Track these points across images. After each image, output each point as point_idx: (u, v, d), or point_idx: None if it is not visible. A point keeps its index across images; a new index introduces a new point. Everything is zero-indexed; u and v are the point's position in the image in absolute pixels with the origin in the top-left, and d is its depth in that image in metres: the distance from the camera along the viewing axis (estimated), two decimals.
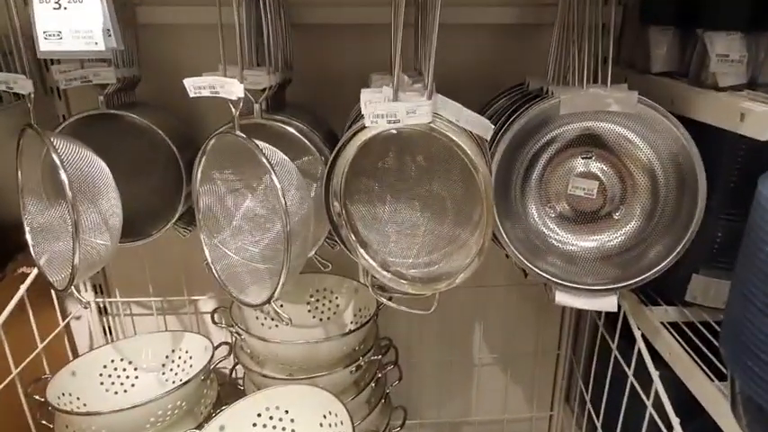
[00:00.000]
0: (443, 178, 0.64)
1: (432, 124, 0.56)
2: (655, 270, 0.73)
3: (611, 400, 0.97)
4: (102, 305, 1.12)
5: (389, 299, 0.71)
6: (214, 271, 0.70)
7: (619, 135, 0.77)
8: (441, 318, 1.17)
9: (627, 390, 0.87)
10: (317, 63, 0.96)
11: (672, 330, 0.82)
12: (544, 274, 0.76)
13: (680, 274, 0.83)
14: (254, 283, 0.69)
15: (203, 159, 0.68)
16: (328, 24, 0.92)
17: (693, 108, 0.72)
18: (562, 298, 0.75)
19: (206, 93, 0.63)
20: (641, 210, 0.79)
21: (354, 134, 0.60)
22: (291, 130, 0.73)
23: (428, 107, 0.55)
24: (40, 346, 0.90)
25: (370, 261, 0.65)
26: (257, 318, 0.98)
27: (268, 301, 0.63)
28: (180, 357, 0.98)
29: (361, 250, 0.65)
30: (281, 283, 0.61)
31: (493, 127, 0.61)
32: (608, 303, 0.74)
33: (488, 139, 0.63)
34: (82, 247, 0.67)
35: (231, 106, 0.62)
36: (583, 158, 0.81)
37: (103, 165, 0.73)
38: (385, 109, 0.56)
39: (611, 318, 0.97)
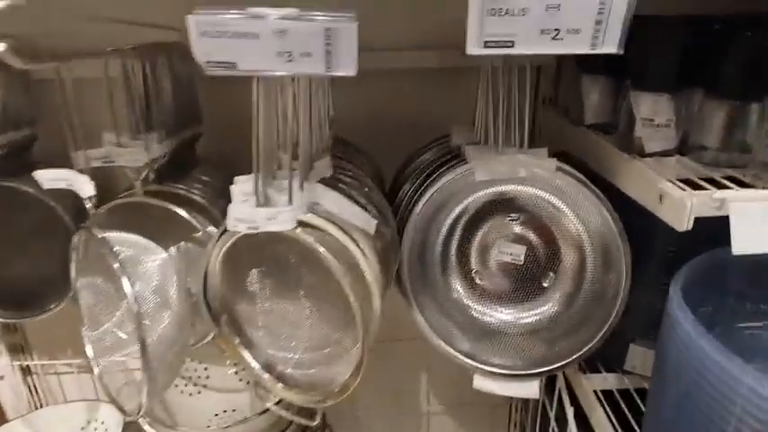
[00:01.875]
0: (322, 278, 0.57)
1: (296, 230, 0.50)
2: (577, 355, 0.67)
3: None
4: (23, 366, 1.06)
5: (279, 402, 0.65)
6: (95, 370, 0.64)
7: (542, 200, 0.70)
8: (385, 368, 1.11)
9: None
10: (232, 113, 0.89)
11: (604, 402, 0.78)
12: (462, 357, 0.70)
13: (619, 342, 0.77)
14: (131, 386, 0.63)
15: (73, 256, 0.61)
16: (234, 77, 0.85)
17: (617, 177, 0.65)
18: (481, 383, 0.69)
19: (62, 185, 0.57)
20: (570, 277, 0.72)
21: (221, 234, 0.54)
22: (177, 210, 0.67)
23: (289, 213, 0.49)
24: None
25: (253, 363, 0.59)
26: (176, 385, 0.92)
27: (137, 412, 0.57)
28: (96, 429, 0.92)
29: (245, 352, 0.59)
30: (144, 398, 0.55)
31: (375, 222, 0.55)
32: (530, 390, 0.68)
33: (372, 233, 0.56)
34: None
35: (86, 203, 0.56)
36: (509, 221, 0.74)
37: None
38: (244, 214, 0.50)
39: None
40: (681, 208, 0.52)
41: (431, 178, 0.72)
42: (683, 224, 0.52)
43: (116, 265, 0.53)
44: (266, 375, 0.58)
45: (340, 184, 0.63)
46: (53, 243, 0.86)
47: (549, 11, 0.41)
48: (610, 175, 0.67)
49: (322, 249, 0.49)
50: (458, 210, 0.72)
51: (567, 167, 0.65)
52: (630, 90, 0.66)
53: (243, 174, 0.88)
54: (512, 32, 0.41)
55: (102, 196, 0.78)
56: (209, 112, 0.86)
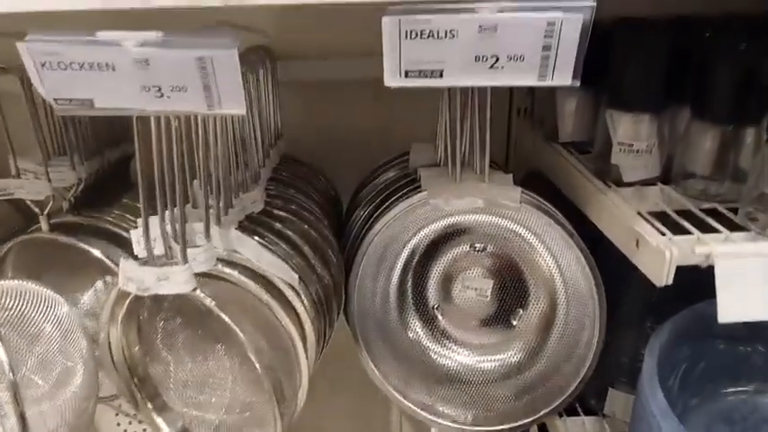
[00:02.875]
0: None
1: (195, 292, 0.41)
2: (546, 411, 0.59)
3: None
4: None
5: None
6: None
7: (508, 230, 0.62)
8: (354, 396, 1.04)
9: None
10: None
11: None
12: (420, 411, 0.62)
13: (598, 385, 0.69)
14: None
15: None
16: None
17: (590, 211, 0.57)
18: None
19: None
20: (540, 317, 0.64)
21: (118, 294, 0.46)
22: (88, 248, 0.58)
23: (184, 273, 0.41)
24: None
25: (167, 429, 0.51)
26: None
27: None
28: None
29: (159, 419, 0.51)
30: None
31: (296, 277, 0.47)
32: None
33: (295, 286, 0.48)
34: None
35: None
36: (474, 252, 0.66)
37: None
38: (133, 273, 0.41)
39: None
40: (659, 259, 0.43)
41: (384, 205, 0.63)
42: (662, 279, 0.43)
43: None
44: None
45: (270, 220, 0.55)
46: None
47: (483, 33, 0.32)
48: (583, 207, 0.59)
49: (225, 317, 0.41)
50: (413, 242, 0.63)
51: (533, 198, 0.57)
52: (606, 108, 0.57)
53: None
54: (439, 59, 0.32)
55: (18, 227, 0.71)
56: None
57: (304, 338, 0.48)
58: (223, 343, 0.49)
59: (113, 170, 0.72)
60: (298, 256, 0.56)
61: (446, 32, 0.32)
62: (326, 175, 0.80)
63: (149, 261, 0.42)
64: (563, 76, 0.33)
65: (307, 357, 0.48)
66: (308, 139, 0.80)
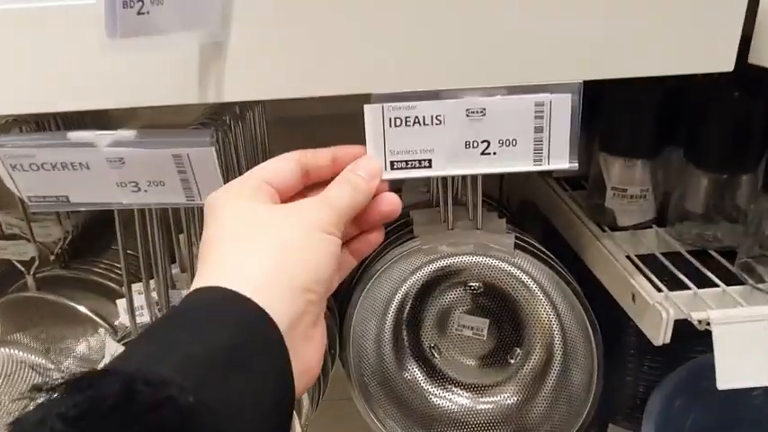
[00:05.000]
0: None
1: None
2: None
3: None
4: None
5: None
6: None
7: (502, 272, 0.61)
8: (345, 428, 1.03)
9: None
10: None
11: None
12: None
13: (597, 422, 0.69)
14: None
15: None
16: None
17: (585, 255, 0.56)
18: None
19: None
20: (537, 357, 0.63)
21: None
22: (76, 306, 0.57)
23: None
24: None
25: None
26: None
27: None
28: None
29: None
30: None
31: None
32: None
33: None
34: None
35: None
36: (469, 292, 0.65)
37: None
38: (116, 351, 0.40)
39: None
40: (655, 319, 0.43)
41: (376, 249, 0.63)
42: (659, 338, 0.43)
43: None
44: None
45: None
46: None
47: (472, 117, 0.31)
48: (577, 250, 0.58)
49: None
50: (406, 285, 0.62)
51: (527, 243, 0.56)
52: (599, 152, 0.56)
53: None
54: (427, 147, 0.31)
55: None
56: None
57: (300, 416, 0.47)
58: None
59: (99, 216, 0.71)
60: None
61: (433, 118, 0.31)
62: None
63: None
64: (560, 160, 0.32)
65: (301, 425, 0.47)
66: None
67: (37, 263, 0.57)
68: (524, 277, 0.61)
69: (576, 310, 0.57)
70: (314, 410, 0.59)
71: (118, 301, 0.45)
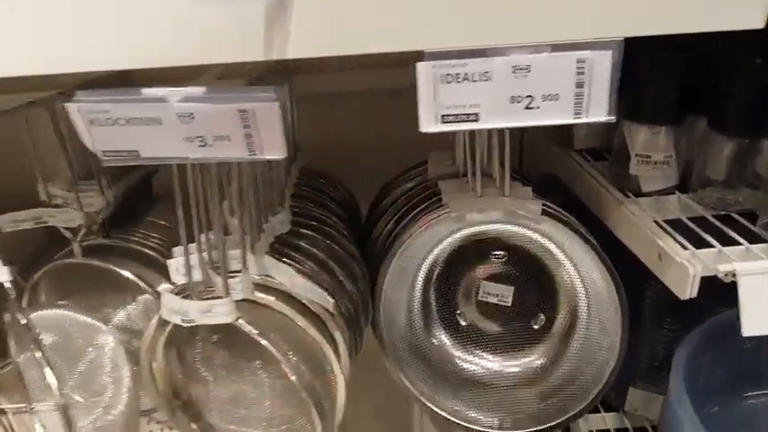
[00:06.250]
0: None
1: (237, 322, 0.43)
2: (573, 413, 0.61)
3: None
4: None
5: None
6: None
7: (528, 239, 0.63)
8: (377, 398, 1.05)
9: None
10: None
11: None
12: (449, 416, 0.64)
13: (618, 384, 0.71)
14: None
15: (10, 334, 0.55)
16: None
17: (610, 220, 0.58)
18: None
19: None
20: (561, 322, 0.66)
21: (160, 322, 0.47)
22: (122, 272, 0.60)
23: (227, 306, 0.42)
24: None
25: None
26: None
27: None
28: None
29: None
30: None
31: (332, 301, 0.48)
32: None
33: (330, 309, 0.49)
34: None
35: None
36: (495, 260, 0.67)
37: None
38: (177, 306, 0.43)
39: None
40: (683, 275, 0.45)
41: (406, 218, 0.65)
42: (686, 293, 0.45)
43: (38, 355, 0.47)
44: None
45: (297, 240, 0.56)
46: None
47: (518, 73, 0.33)
48: (602, 216, 0.60)
49: (268, 345, 0.42)
50: (435, 253, 0.65)
51: (554, 210, 0.58)
52: (623, 120, 0.58)
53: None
54: (474, 102, 0.33)
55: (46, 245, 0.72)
56: None
57: (339, 358, 0.50)
58: (261, 361, 0.51)
59: (135, 189, 0.73)
60: (325, 272, 0.57)
61: (481, 75, 0.33)
62: (344, 184, 0.81)
63: (191, 294, 0.44)
64: (598, 112, 0.34)
65: (344, 377, 0.49)
66: (324, 151, 0.81)
67: (84, 230, 0.59)
68: (550, 244, 0.63)
69: (601, 273, 0.59)
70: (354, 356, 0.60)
71: (169, 261, 0.47)
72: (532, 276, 0.68)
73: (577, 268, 0.63)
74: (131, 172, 0.71)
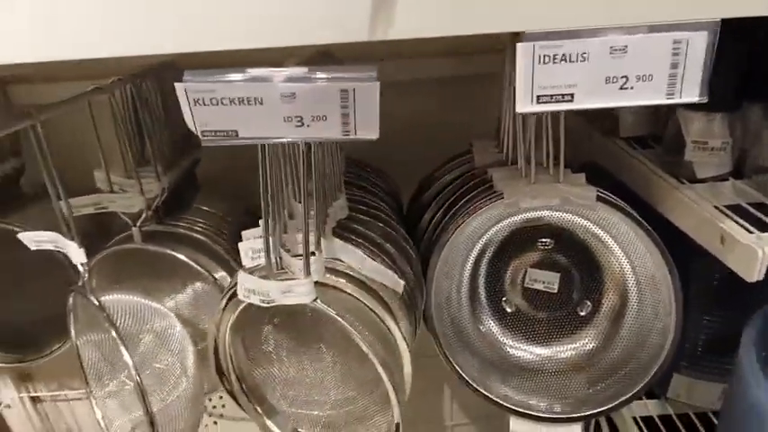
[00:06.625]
0: (343, 334, 0.51)
1: (315, 302, 0.44)
2: (621, 400, 0.62)
3: None
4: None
5: None
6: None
7: (578, 226, 0.64)
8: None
9: None
10: None
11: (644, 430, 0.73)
12: (500, 401, 0.64)
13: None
14: None
15: (71, 317, 0.56)
16: None
17: (664, 206, 0.59)
18: (518, 426, 0.64)
19: (49, 246, 0.51)
20: (609, 311, 0.66)
21: (228, 300, 0.48)
22: (179, 256, 0.60)
23: (306, 286, 0.43)
24: None
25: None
26: None
27: None
28: None
29: (270, 422, 0.54)
30: None
31: (402, 283, 0.49)
32: None
33: (399, 291, 0.50)
34: None
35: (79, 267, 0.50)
36: (541, 247, 0.68)
37: None
38: (256, 286, 0.44)
39: None
40: (751, 258, 0.45)
41: (455, 207, 0.65)
42: (753, 275, 0.46)
43: (113, 334, 0.48)
44: None
45: (355, 225, 0.57)
46: (52, 281, 0.81)
47: (614, 54, 0.34)
48: (654, 203, 0.60)
49: (346, 324, 0.43)
50: (484, 240, 0.66)
51: (609, 197, 0.59)
52: (678, 108, 0.58)
53: (244, 197, 0.83)
54: (571, 83, 0.34)
55: (97, 232, 0.73)
56: None
57: (405, 338, 0.51)
58: (327, 341, 0.51)
59: (184, 175, 0.74)
60: (383, 254, 0.58)
61: (578, 56, 0.33)
62: (389, 175, 0.81)
63: (269, 274, 0.44)
64: (691, 93, 0.34)
65: (410, 357, 0.50)
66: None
67: (144, 215, 0.60)
68: (599, 229, 0.64)
69: (655, 258, 0.59)
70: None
71: (240, 245, 0.48)
72: (580, 263, 0.68)
73: (627, 253, 0.64)
74: (181, 161, 0.72)
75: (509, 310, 0.70)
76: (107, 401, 0.62)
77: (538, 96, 0.34)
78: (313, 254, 0.46)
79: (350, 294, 0.47)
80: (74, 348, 0.74)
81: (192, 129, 0.35)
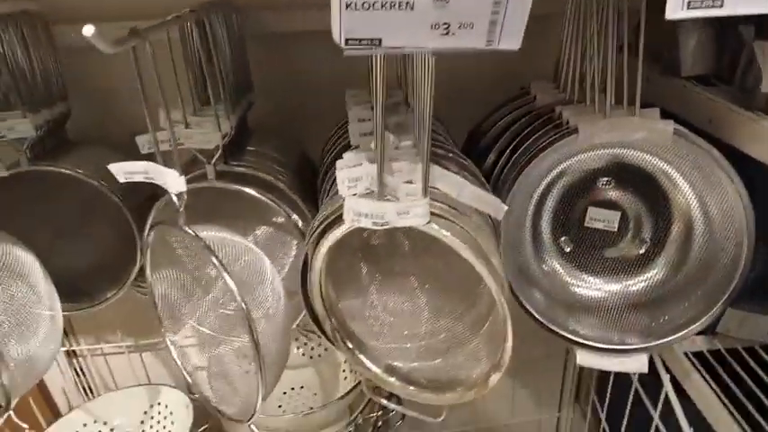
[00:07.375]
0: (435, 264, 0.52)
1: (431, 224, 0.44)
2: (687, 330, 0.64)
3: (620, 401, 0.91)
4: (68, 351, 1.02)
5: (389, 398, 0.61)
6: (186, 376, 0.60)
7: (648, 163, 0.65)
8: None
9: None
10: (281, 76, 0.81)
11: (698, 365, 0.76)
12: (568, 335, 0.66)
13: None
14: (234, 389, 0.59)
15: (149, 255, 0.55)
16: (292, 32, 0.76)
17: (738, 138, 0.59)
18: (585, 359, 0.66)
19: (139, 178, 0.50)
20: (673, 246, 0.68)
21: (329, 226, 0.48)
22: (253, 193, 0.60)
23: (423, 207, 0.43)
24: None
25: (373, 368, 0.54)
26: (239, 365, 0.89)
27: (251, 418, 0.53)
28: (159, 413, 0.89)
29: (361, 356, 0.54)
30: (259, 401, 0.51)
31: (505, 207, 0.49)
32: (637, 364, 0.65)
33: (500, 216, 0.50)
34: None
35: (174, 198, 0.49)
36: (602, 185, 0.69)
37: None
38: (370, 209, 0.43)
39: None
40: None
41: (523, 146, 0.65)
42: None
43: (216, 262, 0.47)
44: (392, 379, 0.54)
45: (440, 158, 0.57)
46: (101, 227, 0.81)
47: None
48: (727, 136, 0.61)
49: (465, 248, 0.43)
50: (549, 177, 0.66)
51: (685, 131, 0.59)
52: (754, 40, 0.59)
53: (297, 142, 0.82)
54: None
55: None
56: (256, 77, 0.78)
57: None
58: (420, 270, 0.52)
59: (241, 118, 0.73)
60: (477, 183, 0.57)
61: None
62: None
63: (380, 198, 0.44)
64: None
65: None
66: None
67: (219, 152, 0.59)
68: (667, 166, 0.65)
69: (731, 191, 0.60)
70: None
71: (338, 173, 0.47)
72: (640, 199, 0.69)
73: (695, 188, 0.64)
74: (241, 103, 0.70)
75: (567, 249, 0.71)
76: (183, 342, 0.62)
77: (688, 2, 0.34)
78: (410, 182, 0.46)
79: (452, 221, 0.47)
80: (119, 299, 0.74)
81: (336, 38, 0.34)
